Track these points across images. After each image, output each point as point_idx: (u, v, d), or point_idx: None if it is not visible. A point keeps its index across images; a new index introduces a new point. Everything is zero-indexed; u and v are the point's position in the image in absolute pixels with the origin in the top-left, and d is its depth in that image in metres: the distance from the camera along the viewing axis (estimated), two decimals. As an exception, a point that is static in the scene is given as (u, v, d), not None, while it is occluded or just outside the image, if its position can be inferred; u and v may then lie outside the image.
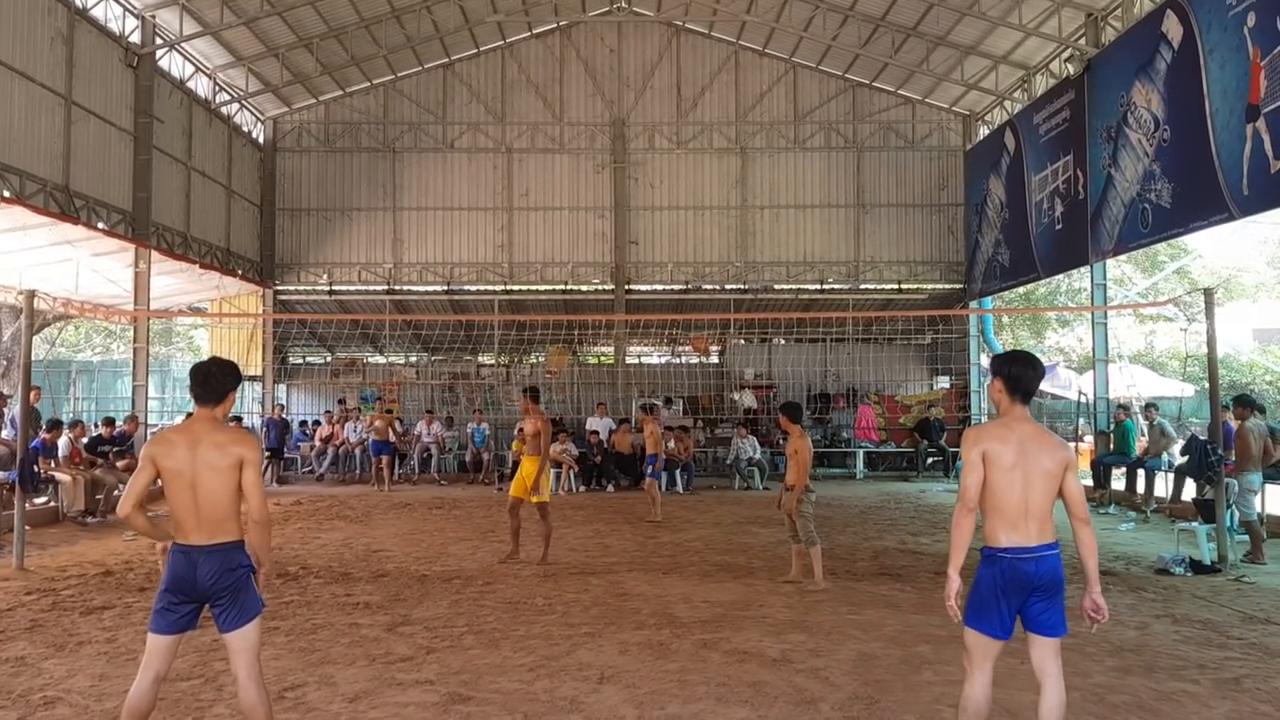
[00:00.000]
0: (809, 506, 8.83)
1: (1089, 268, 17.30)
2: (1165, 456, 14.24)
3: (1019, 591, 4.01)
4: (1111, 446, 15.97)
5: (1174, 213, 13.89)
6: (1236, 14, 12.09)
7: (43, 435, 12.65)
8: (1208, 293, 10.96)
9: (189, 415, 5.26)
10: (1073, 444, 19.97)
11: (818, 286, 23.02)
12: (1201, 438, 11.91)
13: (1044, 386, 26.97)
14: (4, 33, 13.25)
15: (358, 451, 19.91)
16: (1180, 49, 13.50)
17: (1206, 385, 11.49)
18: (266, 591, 4.34)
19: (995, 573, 4.04)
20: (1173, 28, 13.65)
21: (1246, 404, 10.95)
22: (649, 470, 14.49)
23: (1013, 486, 4.01)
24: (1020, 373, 4.18)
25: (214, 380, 4.31)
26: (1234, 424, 10.95)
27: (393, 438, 18.60)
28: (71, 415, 18.36)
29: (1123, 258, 22.92)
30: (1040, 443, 4.08)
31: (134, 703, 4.10)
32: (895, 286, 23.12)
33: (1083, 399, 18.80)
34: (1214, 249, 31.92)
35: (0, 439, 12.81)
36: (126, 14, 16.56)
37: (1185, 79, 13.37)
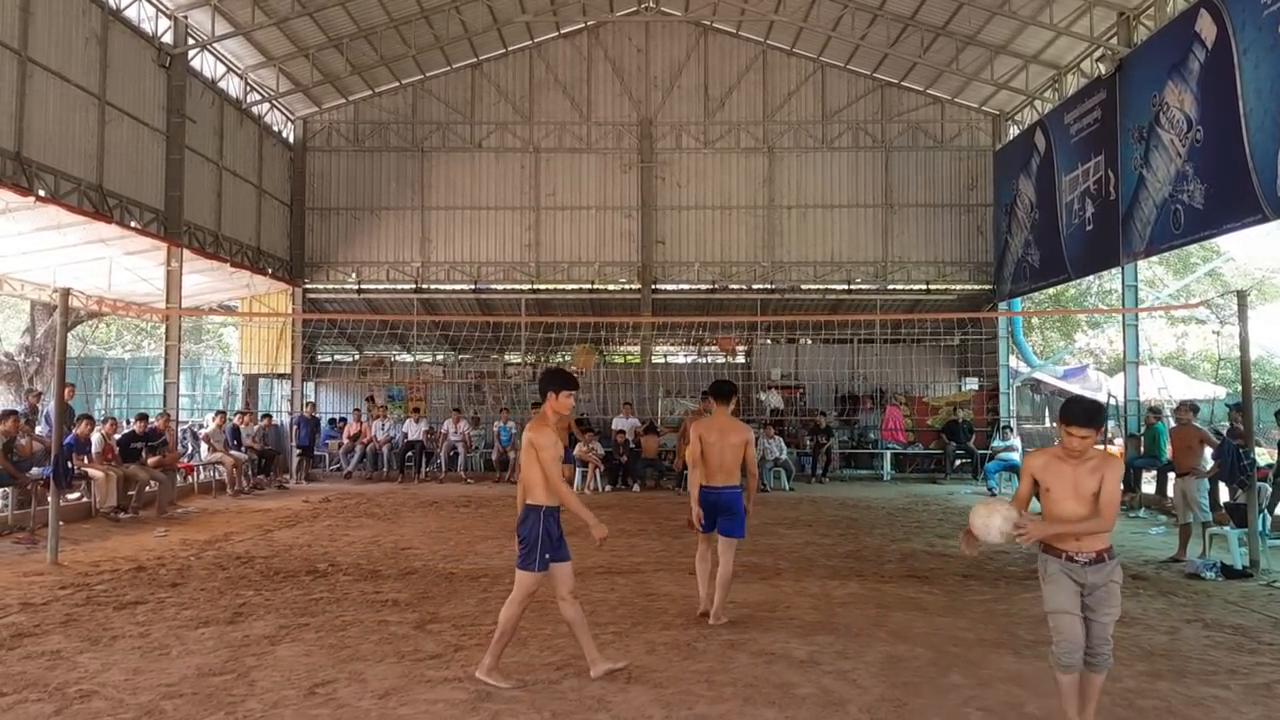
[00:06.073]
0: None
1: (1120, 269, 17.14)
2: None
3: (712, 510, 7.19)
4: (1142, 450, 15.78)
5: (1206, 214, 13.72)
6: (1271, 13, 11.93)
7: (75, 431, 12.78)
8: (1240, 295, 10.85)
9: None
10: (1103, 446, 19.84)
11: (845, 287, 22.93)
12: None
13: (1075, 389, 26.91)
14: (40, 34, 13.46)
15: (385, 449, 20.05)
16: (1214, 49, 13.33)
17: (1239, 388, 11.37)
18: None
19: (704, 498, 7.19)
20: (1206, 27, 13.49)
21: (1190, 408, 11.21)
22: None
23: (713, 454, 7.18)
24: (718, 389, 7.43)
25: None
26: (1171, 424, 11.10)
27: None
28: (104, 412, 18.60)
29: (1154, 259, 22.73)
30: (733, 428, 7.26)
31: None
32: (923, 287, 22.98)
33: (1113, 401, 18.63)
34: (1247, 251, 31.49)
35: (35, 436, 12.96)
36: (159, 14, 16.76)
37: (1219, 79, 13.20)
